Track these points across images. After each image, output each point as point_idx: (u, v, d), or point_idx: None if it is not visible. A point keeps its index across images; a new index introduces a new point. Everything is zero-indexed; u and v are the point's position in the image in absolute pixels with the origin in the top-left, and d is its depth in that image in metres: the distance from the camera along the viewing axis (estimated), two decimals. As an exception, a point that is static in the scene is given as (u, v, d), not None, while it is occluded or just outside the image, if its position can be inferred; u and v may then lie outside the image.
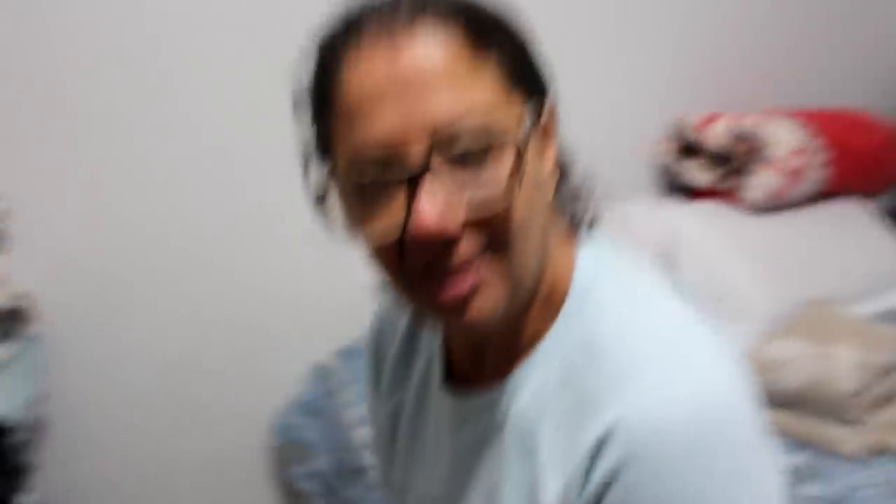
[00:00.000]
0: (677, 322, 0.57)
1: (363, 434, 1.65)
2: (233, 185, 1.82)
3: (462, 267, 0.53)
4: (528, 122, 0.55)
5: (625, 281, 0.60)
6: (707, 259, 1.89)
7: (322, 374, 1.91)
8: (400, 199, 0.51)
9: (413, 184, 0.50)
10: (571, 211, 0.65)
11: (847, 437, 1.42)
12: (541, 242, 0.57)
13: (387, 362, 0.80)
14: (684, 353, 0.54)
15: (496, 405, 0.62)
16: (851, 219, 2.15)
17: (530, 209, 0.54)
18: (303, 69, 0.58)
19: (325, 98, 0.55)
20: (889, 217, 2.48)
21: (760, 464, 0.53)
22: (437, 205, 0.50)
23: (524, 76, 0.57)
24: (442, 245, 0.52)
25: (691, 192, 2.15)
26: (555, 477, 0.56)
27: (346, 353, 1.91)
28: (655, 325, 0.56)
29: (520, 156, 0.52)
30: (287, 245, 1.86)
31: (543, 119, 0.58)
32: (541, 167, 0.58)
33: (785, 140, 1.97)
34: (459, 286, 0.53)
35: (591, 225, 0.65)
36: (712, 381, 0.53)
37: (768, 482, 0.53)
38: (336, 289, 1.92)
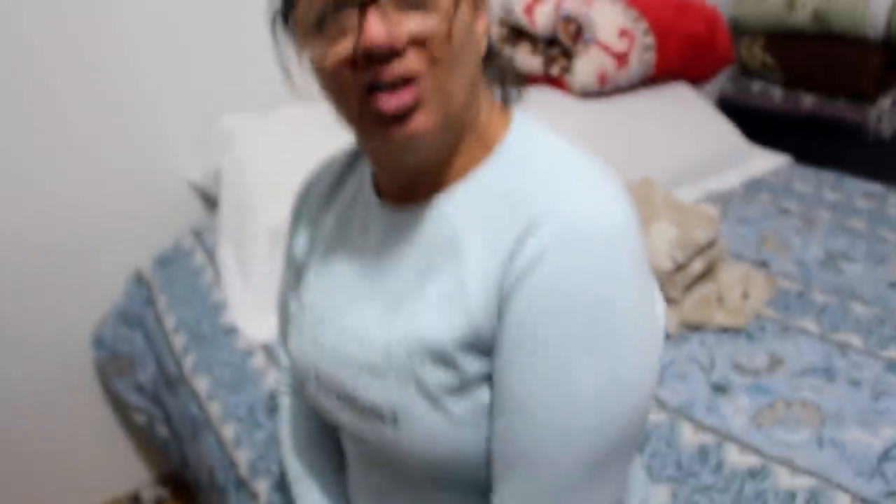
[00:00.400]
0: (597, 163, 0.68)
1: (181, 341, 1.57)
2: (35, 79, 1.61)
3: (405, 83, 0.61)
4: None
5: (552, 135, 0.71)
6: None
7: (139, 282, 1.80)
8: (353, 26, 0.61)
9: (363, 9, 0.60)
10: (501, 86, 0.75)
11: (665, 316, 1.42)
12: (471, 84, 0.67)
13: (312, 198, 0.87)
14: (602, 179, 0.65)
15: (427, 217, 0.71)
16: (679, 103, 2.16)
17: (465, 48, 0.64)
18: None
19: None
20: (717, 103, 2.52)
21: (653, 282, 0.67)
22: (384, 24, 0.59)
23: None
24: (387, 57, 0.60)
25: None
26: (481, 268, 0.65)
27: (162, 260, 1.81)
28: (580, 158, 0.67)
29: (455, 1, 0.62)
30: (98, 147, 1.73)
31: None
32: (472, 28, 0.66)
33: (610, 22, 1.91)
34: (402, 98, 0.61)
35: (517, 97, 0.75)
36: (624, 202, 0.64)
37: (658, 300, 0.69)
38: (150, 193, 1.83)
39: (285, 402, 0.97)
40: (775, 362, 1.30)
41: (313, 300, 0.80)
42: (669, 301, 1.46)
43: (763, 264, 1.65)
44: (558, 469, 0.62)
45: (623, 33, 1.91)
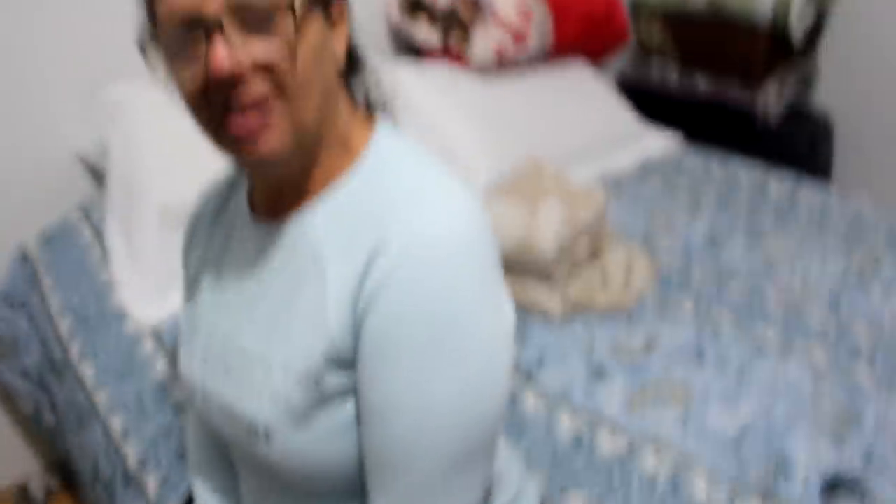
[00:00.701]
0: (450, 178, 0.71)
1: (67, 324, 1.52)
2: None
3: (253, 108, 0.64)
4: (309, 4, 0.67)
5: (412, 147, 0.74)
6: (430, 120, 1.85)
7: (24, 261, 1.73)
8: (202, 53, 0.63)
9: (209, 37, 0.63)
10: (367, 99, 0.79)
11: (550, 299, 1.46)
12: (325, 101, 0.69)
13: (203, 219, 0.90)
14: (453, 196, 0.68)
15: (291, 232, 0.74)
16: (577, 82, 2.19)
17: (313, 70, 0.67)
18: None
19: None
20: (618, 84, 2.57)
21: (502, 290, 0.70)
22: (228, 51, 0.62)
23: None
24: (233, 84, 0.63)
25: (421, 53, 2.08)
26: (340, 285, 0.67)
27: (48, 238, 1.74)
28: (435, 173, 0.70)
29: (298, 24, 0.64)
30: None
31: (333, 11, 0.71)
32: (326, 45, 0.69)
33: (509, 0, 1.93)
34: (249, 122, 0.65)
35: (382, 109, 0.80)
36: (476, 217, 0.68)
37: (507, 308, 0.71)
38: (35, 166, 1.75)
39: None
40: (651, 343, 1.35)
41: (202, 320, 0.83)
42: (555, 284, 1.50)
43: (650, 244, 1.71)
44: (418, 473, 0.67)
45: (521, 11, 1.93)
